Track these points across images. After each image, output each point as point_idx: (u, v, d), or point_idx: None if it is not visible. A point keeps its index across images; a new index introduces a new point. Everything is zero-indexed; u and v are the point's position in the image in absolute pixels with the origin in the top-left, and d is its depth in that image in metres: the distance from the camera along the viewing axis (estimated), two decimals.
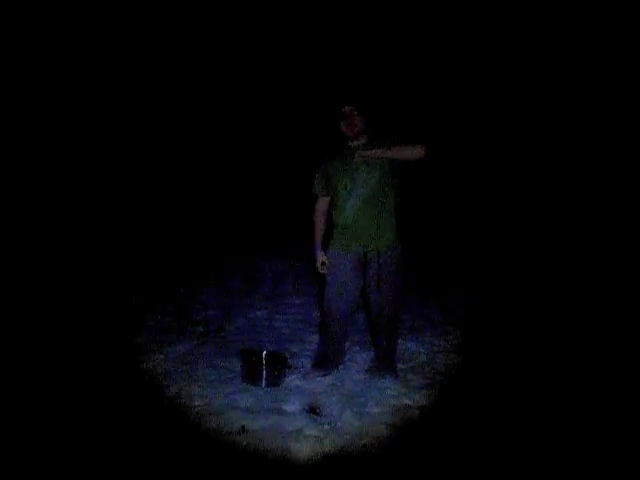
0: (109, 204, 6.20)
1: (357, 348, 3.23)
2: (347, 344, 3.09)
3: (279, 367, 2.73)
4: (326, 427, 2.23)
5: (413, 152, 2.58)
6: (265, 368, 2.69)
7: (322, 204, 2.86)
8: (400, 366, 2.92)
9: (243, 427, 2.19)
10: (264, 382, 2.65)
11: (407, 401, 2.52)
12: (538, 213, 6.27)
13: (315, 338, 3.46)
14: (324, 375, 2.78)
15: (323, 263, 2.80)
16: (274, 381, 2.66)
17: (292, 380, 2.73)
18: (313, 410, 2.40)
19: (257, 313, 4.11)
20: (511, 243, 5.85)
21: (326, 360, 2.87)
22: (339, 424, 2.26)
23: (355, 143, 2.71)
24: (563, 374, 2.79)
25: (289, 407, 2.43)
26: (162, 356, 3.05)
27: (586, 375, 2.74)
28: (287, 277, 5.19)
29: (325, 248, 2.82)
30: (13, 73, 5.41)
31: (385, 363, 2.83)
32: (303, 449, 2.05)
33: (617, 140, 6.08)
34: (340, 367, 2.90)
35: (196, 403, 2.45)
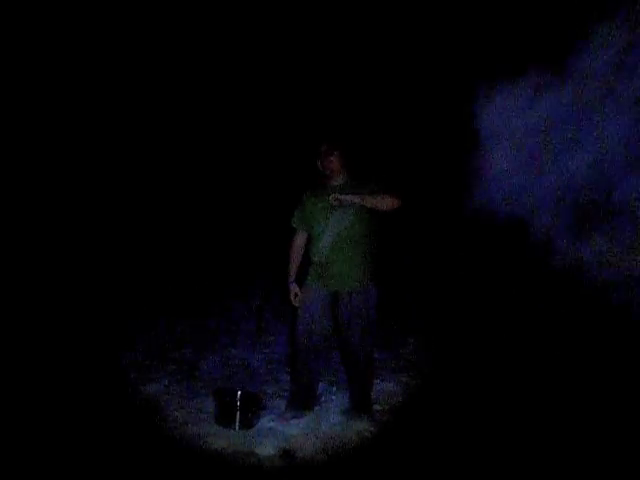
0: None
1: (333, 388, 3.18)
2: (323, 384, 3.04)
3: (253, 408, 2.65)
4: (300, 472, 2.16)
5: (387, 203, 2.58)
6: (239, 409, 2.61)
7: (299, 238, 2.86)
8: (377, 407, 2.88)
9: None
10: (237, 424, 2.57)
11: (384, 443, 2.47)
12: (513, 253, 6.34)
13: None
14: (299, 417, 2.71)
15: (296, 295, 2.78)
16: (248, 423, 2.59)
17: (266, 422, 2.65)
18: (287, 454, 2.33)
19: (232, 351, 4.03)
20: (490, 283, 5.90)
21: (299, 399, 2.80)
22: (314, 469, 2.19)
23: (332, 183, 2.73)
24: (541, 410, 2.78)
25: (263, 451, 2.35)
26: (132, 396, 2.94)
27: (567, 419, 2.74)
28: (264, 315, 5.12)
29: (301, 282, 2.80)
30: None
31: (361, 404, 2.78)
32: None
33: None
34: (316, 408, 2.84)
35: (166, 446, 2.35)
